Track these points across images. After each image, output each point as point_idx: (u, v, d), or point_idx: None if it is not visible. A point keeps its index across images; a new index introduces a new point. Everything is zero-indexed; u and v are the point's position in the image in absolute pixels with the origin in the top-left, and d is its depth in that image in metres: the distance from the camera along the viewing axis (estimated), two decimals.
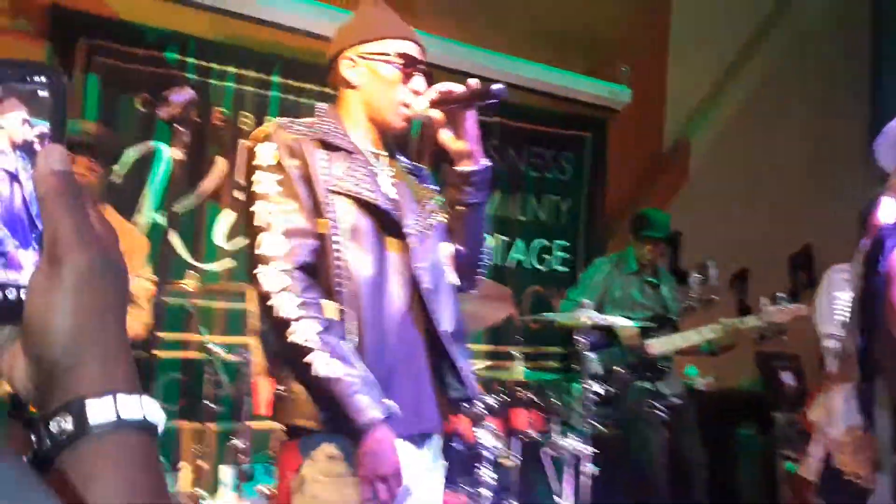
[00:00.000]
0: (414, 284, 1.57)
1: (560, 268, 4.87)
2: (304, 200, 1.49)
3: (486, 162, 1.64)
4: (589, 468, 3.06)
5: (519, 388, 3.51)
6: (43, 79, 0.46)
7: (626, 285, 3.80)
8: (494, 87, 1.50)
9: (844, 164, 5.86)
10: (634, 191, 5.24)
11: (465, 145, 1.60)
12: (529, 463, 3.40)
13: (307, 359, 1.40)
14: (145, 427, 0.43)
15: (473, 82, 1.54)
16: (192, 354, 3.56)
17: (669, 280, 4.03)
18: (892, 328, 1.46)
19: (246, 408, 2.93)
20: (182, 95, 1.82)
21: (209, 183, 3.76)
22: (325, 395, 1.42)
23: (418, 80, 1.63)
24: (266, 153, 1.51)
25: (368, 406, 1.40)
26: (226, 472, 3.03)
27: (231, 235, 3.78)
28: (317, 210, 1.50)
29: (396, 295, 1.55)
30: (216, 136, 3.81)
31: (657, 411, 3.67)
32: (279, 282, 1.43)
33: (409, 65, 1.62)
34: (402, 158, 1.76)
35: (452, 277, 1.69)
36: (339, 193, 1.52)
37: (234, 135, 3.85)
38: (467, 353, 1.67)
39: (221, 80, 3.83)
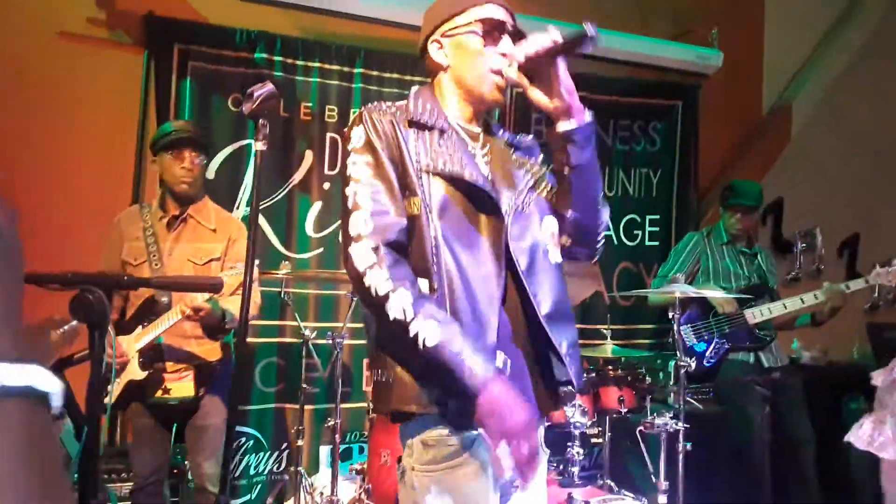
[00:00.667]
0: (511, 265, 1.49)
1: (651, 243, 4.70)
2: (393, 181, 1.47)
3: (586, 117, 1.54)
4: (684, 446, 2.95)
5: (609, 366, 3.43)
6: None
7: (718, 257, 3.63)
8: (588, 30, 1.39)
9: None
10: (730, 159, 4.98)
11: (560, 102, 1.51)
12: (622, 441, 3.32)
13: (410, 330, 1.35)
14: (30, 395, 0.41)
15: (553, 33, 1.45)
16: (289, 340, 3.71)
17: (765, 250, 3.82)
18: None
19: (339, 389, 3.01)
20: (263, 90, 1.86)
21: (298, 176, 3.87)
22: (433, 365, 1.36)
23: (505, 43, 1.55)
24: (357, 136, 1.50)
25: (479, 364, 1.33)
26: (323, 452, 3.14)
27: (320, 225, 3.88)
28: (408, 190, 1.48)
29: (492, 276, 1.47)
30: (304, 131, 3.91)
31: (759, 385, 3.50)
32: (368, 259, 1.40)
33: (492, 29, 1.55)
34: (502, 132, 1.68)
35: (556, 255, 1.59)
36: (430, 173, 1.48)
37: (321, 128, 3.94)
38: (573, 334, 1.57)
39: (307, 76, 3.92)
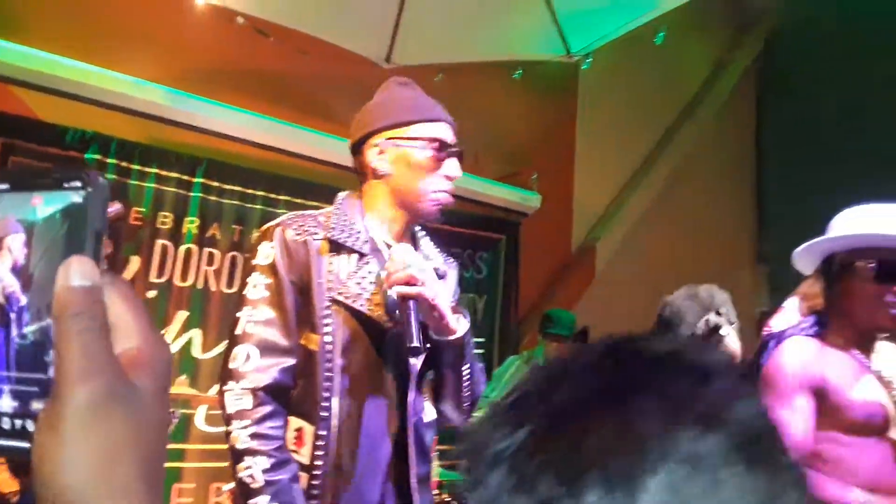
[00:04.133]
0: (402, 415, 1.36)
1: None
2: (290, 312, 1.32)
3: (458, 331, 1.39)
4: None
5: (436, 491, 3.29)
6: (77, 184, 0.41)
7: None
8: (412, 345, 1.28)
9: (735, 265, 6.10)
10: (546, 290, 5.25)
11: (434, 322, 1.37)
12: None
13: (251, 501, 1.23)
14: None
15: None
16: None
17: None
18: None
19: None
20: (110, 210, 1.67)
21: None
22: None
23: (451, 165, 1.43)
24: (264, 252, 1.35)
25: None
26: None
27: None
28: (308, 324, 1.32)
29: (390, 426, 1.34)
30: (132, 235, 3.60)
31: None
32: (239, 404, 1.27)
33: (443, 149, 1.42)
34: (430, 252, 1.53)
35: (429, 409, 1.45)
36: (341, 303, 1.33)
37: (152, 234, 3.67)
38: (429, 498, 1.43)
39: (142, 181, 3.67)
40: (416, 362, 1.38)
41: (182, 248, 3.74)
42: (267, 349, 1.29)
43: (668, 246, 5.71)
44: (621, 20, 3.51)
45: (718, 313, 2.09)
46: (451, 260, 1.61)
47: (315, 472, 1.28)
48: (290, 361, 1.31)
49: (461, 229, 4.82)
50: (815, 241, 1.50)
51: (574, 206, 5.56)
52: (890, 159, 4.99)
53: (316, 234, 1.37)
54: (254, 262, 1.36)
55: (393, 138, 1.41)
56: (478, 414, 3.49)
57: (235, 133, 3.84)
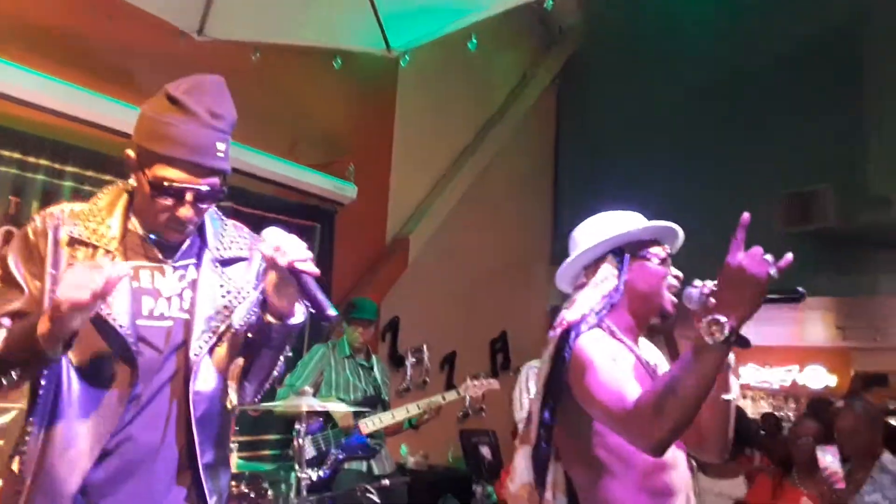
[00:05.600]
0: (185, 405, 1.33)
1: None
2: (23, 293, 1.30)
3: (296, 319, 1.42)
4: None
5: (233, 482, 3.15)
6: None
7: (340, 369, 3.73)
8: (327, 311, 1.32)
9: (533, 262, 6.53)
10: (358, 280, 5.24)
11: (284, 306, 1.38)
12: None
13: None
14: None
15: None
16: None
17: (380, 363, 4.02)
18: (588, 408, 1.47)
19: None
20: None
21: None
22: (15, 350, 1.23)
23: (183, 210, 1.32)
24: (15, 238, 1.35)
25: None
26: None
27: None
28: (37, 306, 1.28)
29: (156, 416, 1.32)
30: None
31: (370, 492, 3.54)
32: None
33: (173, 194, 1.30)
34: (229, 236, 1.46)
35: (233, 395, 1.43)
36: None
37: None
38: (226, 481, 1.43)
39: None
40: (198, 356, 1.35)
41: None
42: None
43: (474, 242, 5.96)
44: (440, 23, 3.59)
45: None
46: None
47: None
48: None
49: (274, 215, 4.64)
50: (603, 241, 1.59)
51: (390, 198, 5.60)
52: (669, 173, 5.63)
53: (61, 225, 1.33)
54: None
55: (138, 162, 1.33)
56: (278, 400, 3.39)
57: (16, 94, 3.37)
